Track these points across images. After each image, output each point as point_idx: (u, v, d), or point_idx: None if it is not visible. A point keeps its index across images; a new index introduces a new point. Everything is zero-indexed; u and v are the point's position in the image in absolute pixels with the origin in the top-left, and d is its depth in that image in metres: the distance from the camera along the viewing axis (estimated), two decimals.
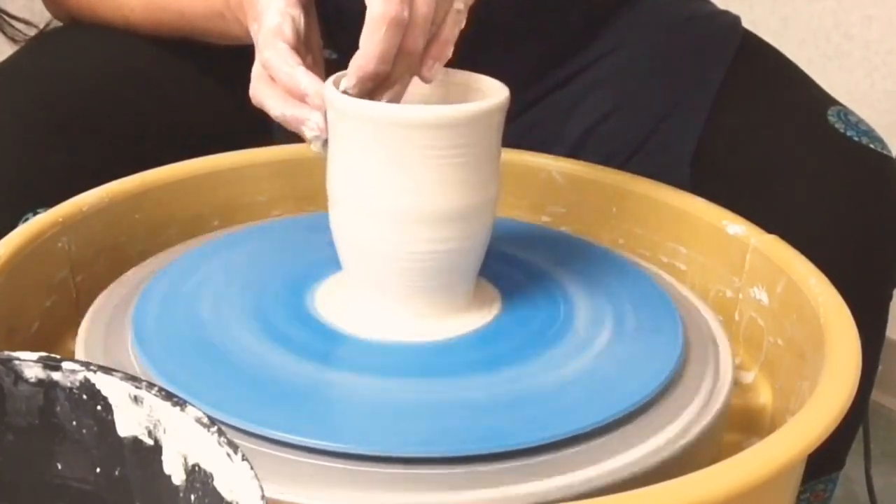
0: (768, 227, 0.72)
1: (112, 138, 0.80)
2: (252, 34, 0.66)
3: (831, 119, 0.80)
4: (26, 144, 0.76)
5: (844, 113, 0.81)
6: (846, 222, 0.75)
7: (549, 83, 0.92)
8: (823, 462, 0.81)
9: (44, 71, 0.82)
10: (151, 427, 0.38)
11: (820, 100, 0.83)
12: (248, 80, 0.65)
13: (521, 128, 0.89)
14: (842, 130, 0.78)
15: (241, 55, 0.78)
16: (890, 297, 0.81)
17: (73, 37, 0.87)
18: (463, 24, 0.60)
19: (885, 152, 0.79)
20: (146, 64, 0.79)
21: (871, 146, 0.79)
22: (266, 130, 0.89)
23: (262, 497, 0.34)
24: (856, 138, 0.78)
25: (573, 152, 0.88)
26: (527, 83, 0.90)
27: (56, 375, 0.39)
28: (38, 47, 0.86)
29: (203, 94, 0.87)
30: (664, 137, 0.86)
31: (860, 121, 0.81)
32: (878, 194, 0.78)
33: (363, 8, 0.55)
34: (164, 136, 0.83)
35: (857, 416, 0.83)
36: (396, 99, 0.59)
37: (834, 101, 0.83)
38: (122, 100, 0.82)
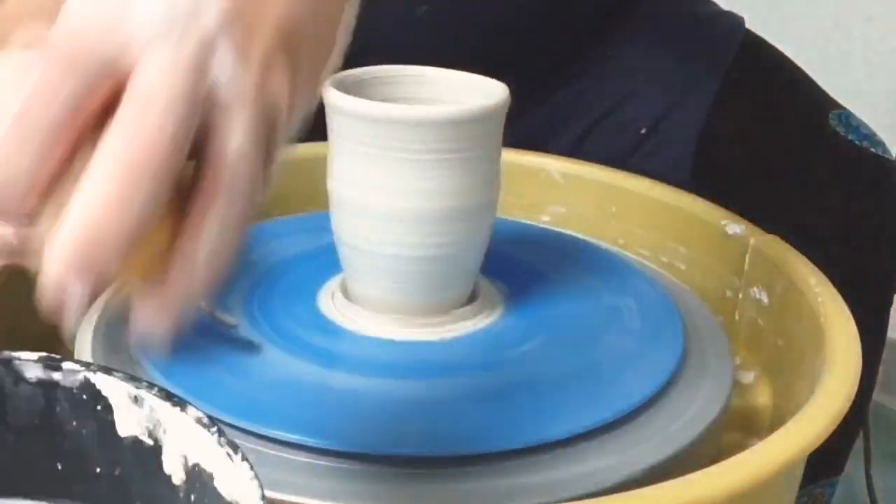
0: (768, 231, 0.72)
1: None
2: None
3: (833, 123, 0.79)
4: None
5: (846, 116, 0.80)
6: (847, 227, 0.75)
7: (554, 83, 0.92)
8: (822, 466, 0.80)
9: None
10: (151, 427, 0.37)
11: (822, 103, 0.83)
12: None
13: (524, 127, 0.89)
14: (843, 134, 0.78)
15: None
16: (891, 302, 0.80)
17: None
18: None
19: (886, 156, 0.79)
20: None
21: (873, 150, 0.78)
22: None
23: (262, 497, 0.34)
24: (857, 142, 0.78)
25: (573, 149, 0.88)
26: (532, 84, 0.90)
27: (56, 375, 0.39)
28: None
29: None
30: (664, 137, 0.86)
31: (861, 124, 0.81)
32: (880, 199, 0.78)
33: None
34: None
35: (856, 420, 0.83)
36: None
37: (836, 105, 0.82)
38: None
